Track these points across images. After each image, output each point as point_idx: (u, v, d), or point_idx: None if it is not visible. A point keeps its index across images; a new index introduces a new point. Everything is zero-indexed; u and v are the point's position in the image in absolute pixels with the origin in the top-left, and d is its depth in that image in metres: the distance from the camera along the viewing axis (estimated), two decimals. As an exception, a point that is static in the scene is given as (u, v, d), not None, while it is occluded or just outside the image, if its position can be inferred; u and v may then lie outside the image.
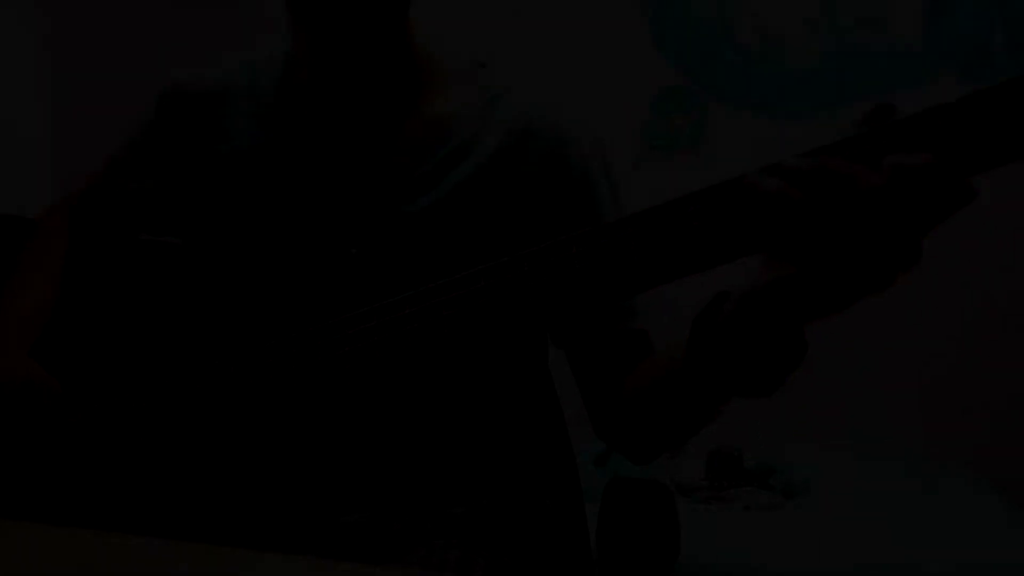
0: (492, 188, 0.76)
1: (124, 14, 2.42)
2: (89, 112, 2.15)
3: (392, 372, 0.62)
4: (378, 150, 0.77)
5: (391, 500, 0.76)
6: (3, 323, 0.82)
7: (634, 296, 0.56)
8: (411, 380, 0.72)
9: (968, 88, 0.47)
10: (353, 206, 0.75)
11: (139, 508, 0.76)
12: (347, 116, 0.77)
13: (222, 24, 2.57)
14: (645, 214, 0.54)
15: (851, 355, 2.20)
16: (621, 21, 2.43)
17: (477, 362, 0.78)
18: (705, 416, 0.70)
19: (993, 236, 2.12)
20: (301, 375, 0.66)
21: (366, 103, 0.77)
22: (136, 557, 0.36)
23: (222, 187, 0.79)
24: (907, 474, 1.88)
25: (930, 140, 0.47)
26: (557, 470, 0.92)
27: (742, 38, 2.36)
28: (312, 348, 0.66)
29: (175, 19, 2.55)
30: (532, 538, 0.81)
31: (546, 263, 0.57)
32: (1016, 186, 2.03)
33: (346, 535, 0.74)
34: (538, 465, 0.88)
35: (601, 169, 0.80)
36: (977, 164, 0.46)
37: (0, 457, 0.76)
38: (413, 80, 0.78)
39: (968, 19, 2.13)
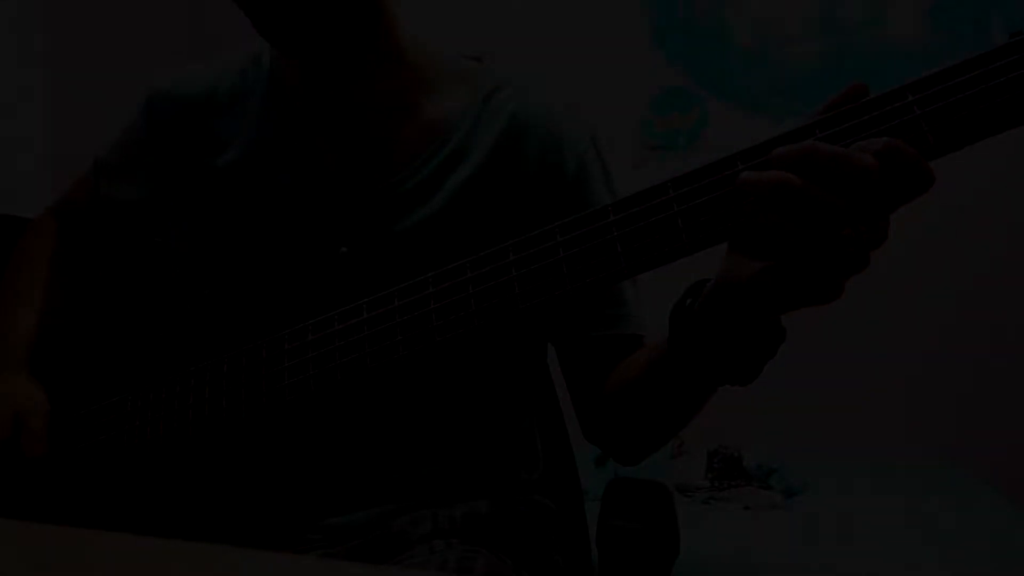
0: (490, 189, 0.76)
1: (124, 15, 2.41)
2: (89, 112, 2.15)
3: (387, 368, 0.62)
4: (374, 155, 0.76)
5: (391, 500, 0.75)
6: None
7: (622, 281, 0.57)
8: (409, 378, 0.71)
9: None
10: (351, 212, 0.75)
11: (139, 510, 0.76)
12: (339, 120, 0.77)
13: (221, 25, 2.57)
14: (628, 199, 0.55)
15: (851, 356, 2.20)
16: (621, 21, 2.43)
17: (476, 361, 0.78)
18: (688, 410, 0.70)
19: (990, 238, 2.13)
20: (296, 373, 0.66)
21: (356, 106, 0.76)
22: (136, 557, 0.36)
23: (215, 196, 0.79)
24: (906, 474, 1.88)
25: (897, 121, 0.48)
26: (557, 470, 0.92)
27: (742, 38, 2.36)
28: (303, 346, 0.66)
29: (175, 19, 2.55)
30: (532, 538, 0.81)
31: (531, 251, 0.57)
32: (1006, 192, 2.05)
33: (346, 535, 0.74)
34: (538, 465, 0.88)
35: (597, 166, 0.79)
36: (946, 145, 0.47)
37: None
38: (405, 82, 0.77)
39: (968, 18, 2.13)
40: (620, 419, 0.76)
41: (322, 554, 0.73)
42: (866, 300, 2.26)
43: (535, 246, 0.57)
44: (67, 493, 0.77)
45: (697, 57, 2.40)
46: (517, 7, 2.48)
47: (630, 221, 0.54)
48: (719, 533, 1.54)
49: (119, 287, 0.98)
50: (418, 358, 0.61)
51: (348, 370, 0.63)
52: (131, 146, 0.85)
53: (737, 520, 1.65)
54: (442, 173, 0.75)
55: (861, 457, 2.01)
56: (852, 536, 1.50)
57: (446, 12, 2.19)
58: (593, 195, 0.78)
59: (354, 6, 0.69)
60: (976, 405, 2.12)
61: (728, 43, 2.37)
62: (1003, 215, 2.12)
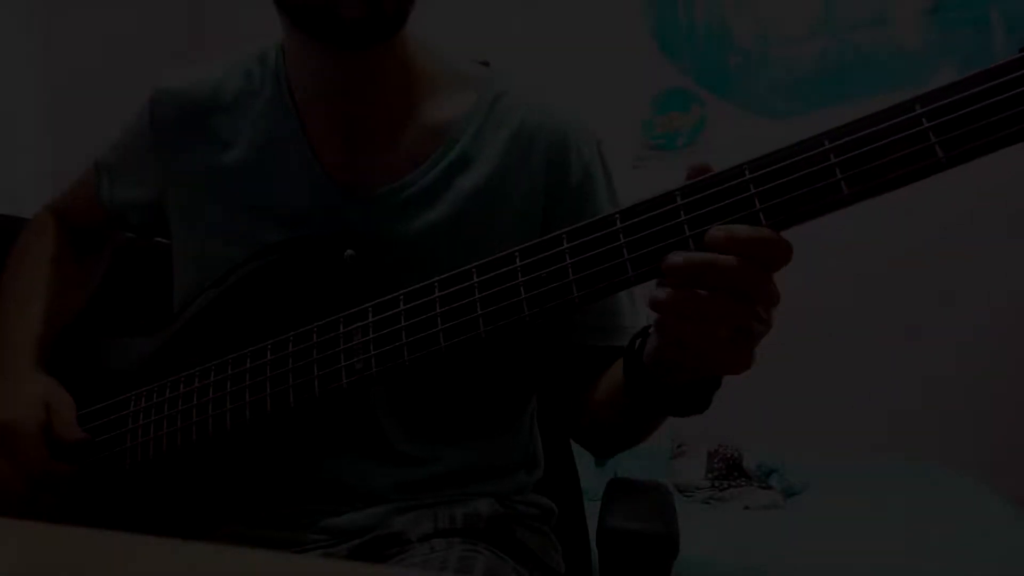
0: (497, 194, 0.76)
1: (124, 15, 2.41)
2: (89, 112, 2.15)
3: (392, 373, 0.62)
4: (380, 158, 0.76)
5: (391, 500, 0.75)
6: (5, 337, 0.82)
7: (627, 289, 0.57)
8: (409, 378, 0.71)
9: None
10: (356, 215, 0.75)
11: (140, 509, 0.76)
12: (345, 122, 0.76)
13: (221, 25, 2.57)
14: (635, 206, 0.55)
15: (851, 356, 2.21)
16: (622, 21, 2.44)
17: (477, 361, 0.78)
18: (653, 425, 0.75)
19: (991, 242, 2.13)
20: (300, 376, 0.66)
21: (363, 108, 0.76)
22: (136, 557, 0.36)
23: (219, 197, 0.78)
24: (906, 474, 1.88)
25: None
26: (557, 470, 0.92)
27: (742, 38, 2.37)
28: (307, 349, 0.66)
29: (175, 19, 2.55)
30: (532, 538, 0.81)
31: (538, 257, 0.57)
32: (1001, 196, 2.05)
33: (346, 535, 0.74)
34: (538, 465, 0.88)
35: (601, 175, 0.80)
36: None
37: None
38: (411, 85, 0.77)
39: (968, 18, 2.13)
40: (596, 428, 0.80)
41: (322, 554, 0.73)
42: (866, 301, 2.26)
43: (541, 252, 0.57)
44: (75, 491, 0.77)
45: (697, 57, 2.40)
46: (519, 8, 2.48)
47: (637, 228, 0.54)
48: (719, 533, 1.54)
49: (121, 287, 0.98)
50: (422, 363, 0.61)
51: (352, 374, 0.63)
52: (133, 146, 0.85)
53: (737, 520, 1.65)
54: (448, 177, 0.75)
55: (861, 457, 2.01)
56: (852, 536, 1.50)
57: (449, 13, 2.19)
58: (596, 204, 0.78)
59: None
60: (976, 405, 2.12)
61: (728, 43, 2.37)
62: (999, 217, 2.12)
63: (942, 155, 0.47)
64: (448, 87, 0.78)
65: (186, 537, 0.35)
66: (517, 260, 0.58)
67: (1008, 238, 2.12)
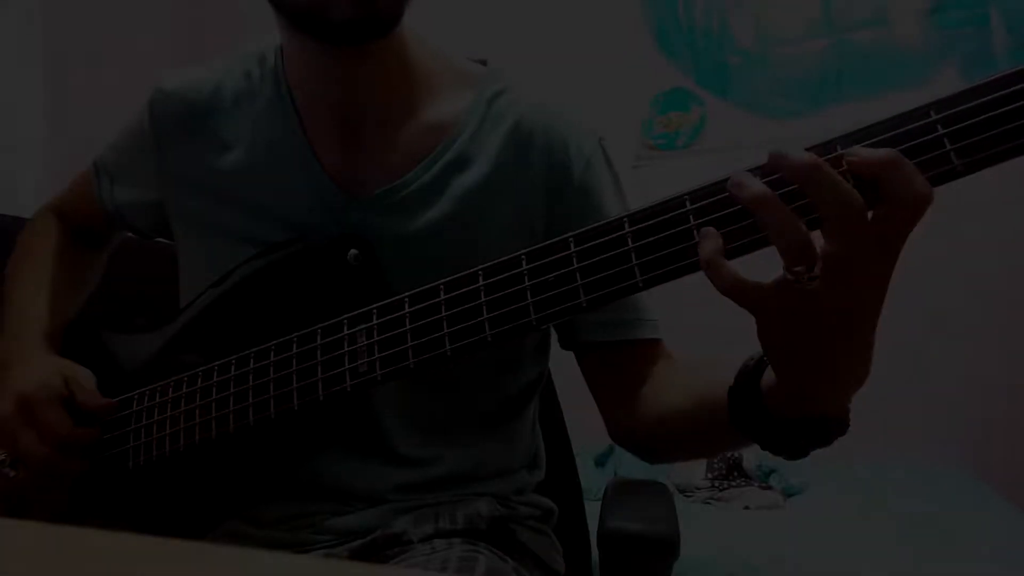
0: (497, 193, 0.75)
1: (124, 15, 2.42)
2: (89, 112, 2.15)
3: (396, 376, 0.62)
4: (379, 157, 0.76)
5: (392, 500, 0.75)
6: (15, 329, 0.82)
7: (637, 293, 0.56)
8: (411, 379, 0.71)
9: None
10: (357, 215, 0.75)
11: (140, 509, 0.76)
12: (344, 121, 0.76)
13: (220, 24, 2.57)
14: (644, 210, 0.54)
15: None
16: (622, 21, 2.44)
17: (477, 360, 0.78)
18: (739, 446, 0.70)
19: (994, 239, 2.13)
20: (303, 378, 0.66)
21: (362, 107, 0.76)
22: (136, 557, 0.36)
23: (219, 198, 0.78)
24: (906, 474, 1.89)
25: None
26: (557, 470, 0.92)
27: (742, 38, 2.37)
28: (312, 350, 0.66)
29: (174, 19, 2.55)
30: (532, 538, 0.81)
31: (545, 260, 0.57)
32: (1003, 196, 2.05)
33: (347, 535, 0.74)
34: (540, 465, 0.88)
35: (605, 169, 0.79)
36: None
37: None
38: (409, 84, 0.76)
39: (968, 18, 2.13)
40: (666, 443, 0.76)
41: (324, 554, 0.73)
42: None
43: (549, 255, 0.57)
44: (76, 490, 0.77)
45: (697, 57, 2.40)
46: (519, 8, 2.48)
47: (646, 233, 0.54)
48: (719, 533, 1.54)
49: (122, 287, 0.98)
50: (427, 366, 0.61)
51: (357, 377, 0.63)
52: (132, 147, 0.85)
53: (737, 520, 1.65)
54: (447, 175, 0.75)
55: (860, 458, 2.01)
56: (852, 536, 1.51)
57: (448, 12, 2.19)
58: (601, 199, 0.77)
59: None
60: (976, 406, 2.12)
61: (728, 43, 2.37)
62: (1000, 218, 2.12)
63: (958, 163, 0.46)
64: (446, 85, 0.78)
65: (187, 537, 0.35)
66: (523, 264, 0.58)
67: (1008, 236, 2.12)
